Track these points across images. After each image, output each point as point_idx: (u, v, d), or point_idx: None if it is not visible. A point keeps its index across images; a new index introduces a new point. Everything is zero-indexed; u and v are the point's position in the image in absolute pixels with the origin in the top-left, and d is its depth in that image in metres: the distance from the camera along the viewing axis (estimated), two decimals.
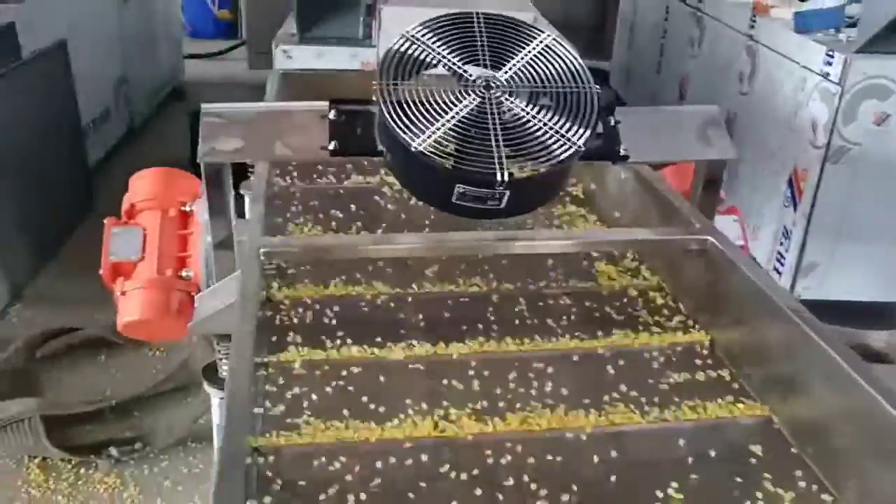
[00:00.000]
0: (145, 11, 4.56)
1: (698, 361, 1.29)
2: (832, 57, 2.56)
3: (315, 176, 1.90)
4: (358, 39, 2.47)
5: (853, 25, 2.64)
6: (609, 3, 6.15)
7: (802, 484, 1.04)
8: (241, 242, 1.40)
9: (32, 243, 2.97)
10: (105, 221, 1.67)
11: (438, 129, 1.22)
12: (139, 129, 4.35)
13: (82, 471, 2.01)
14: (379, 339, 1.29)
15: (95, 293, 1.86)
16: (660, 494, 1.02)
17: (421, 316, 1.38)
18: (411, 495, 1.01)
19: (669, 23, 4.28)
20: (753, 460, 1.09)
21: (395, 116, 1.22)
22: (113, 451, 2.06)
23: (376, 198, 1.82)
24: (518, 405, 1.17)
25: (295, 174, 1.90)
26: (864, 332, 2.58)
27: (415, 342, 1.29)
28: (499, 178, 1.18)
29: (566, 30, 7.24)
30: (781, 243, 2.85)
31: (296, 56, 2.46)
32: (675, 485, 1.03)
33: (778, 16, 3.05)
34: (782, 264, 2.84)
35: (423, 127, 1.21)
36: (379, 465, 1.05)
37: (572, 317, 1.40)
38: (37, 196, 2.99)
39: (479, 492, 1.02)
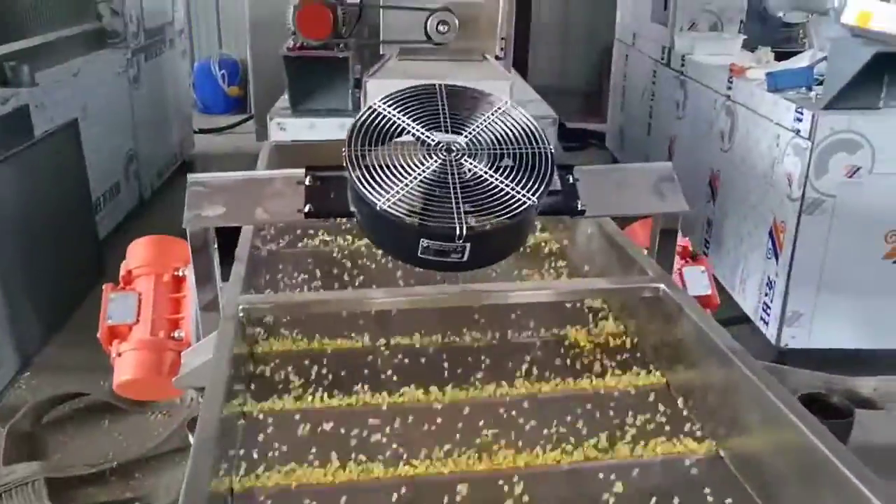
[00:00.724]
0: (156, 91, 4.79)
1: (655, 401, 1.36)
2: (801, 114, 2.67)
3: (306, 238, 2.03)
4: (348, 110, 2.62)
5: (822, 83, 2.76)
6: (604, 69, 6.36)
7: None
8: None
9: (42, 314, 3.08)
10: (104, 288, 1.78)
11: (403, 188, 1.32)
12: (149, 202, 4.52)
13: None
14: (353, 389, 1.37)
15: (101, 361, 1.93)
16: None
17: (394, 366, 1.47)
18: None
19: (657, 86, 4.44)
20: (705, 491, 1.15)
21: (362, 179, 1.33)
22: None
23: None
24: (487, 446, 1.24)
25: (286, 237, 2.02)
26: (852, 379, 2.63)
27: (386, 391, 1.38)
28: (458, 231, 1.28)
29: (565, 95, 7.39)
30: (766, 294, 2.92)
31: (289, 128, 2.60)
32: None
33: (753, 76, 3.19)
34: (768, 314, 2.90)
35: (388, 188, 1.32)
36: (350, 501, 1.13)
37: (537, 363, 1.48)
38: (47, 269, 3.12)
39: None
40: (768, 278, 2.90)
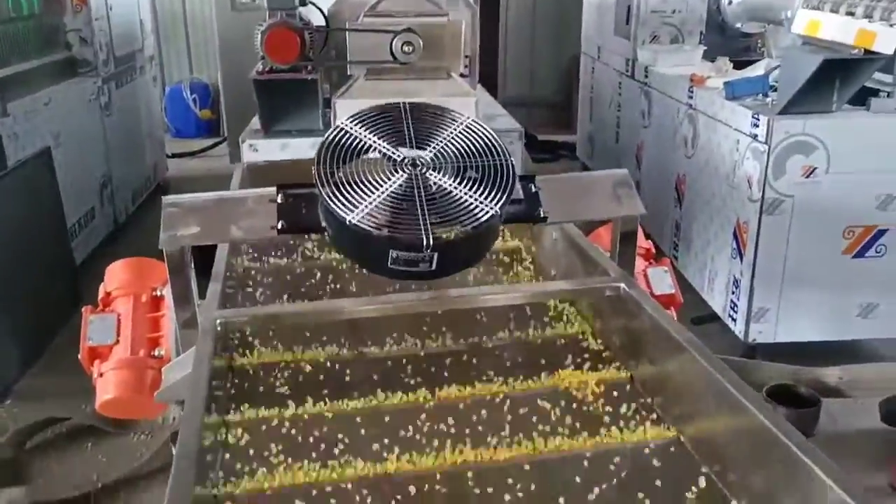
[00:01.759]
0: (128, 117, 4.81)
1: (620, 395, 1.43)
2: (758, 119, 2.77)
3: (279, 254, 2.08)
4: (318, 130, 2.67)
5: (777, 90, 2.86)
6: (573, 81, 6.47)
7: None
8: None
9: (20, 342, 3.09)
10: (83, 310, 1.82)
11: (371, 203, 1.38)
12: (124, 226, 4.54)
13: None
14: (330, 395, 1.43)
15: (82, 385, 1.96)
16: None
17: (369, 372, 1.52)
18: None
19: (622, 97, 4.54)
20: (671, 473, 1.22)
21: (332, 195, 1.39)
22: None
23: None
24: (464, 441, 1.30)
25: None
26: (818, 370, 2.71)
27: (363, 397, 1.43)
28: (425, 242, 1.34)
29: (535, 108, 7.47)
30: (733, 292, 3.00)
31: (261, 149, 2.65)
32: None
33: (713, 85, 3.29)
34: (736, 311, 2.98)
35: (357, 202, 1.38)
36: (331, 501, 1.18)
37: (507, 363, 1.55)
38: (24, 296, 3.13)
39: None
40: (734, 277, 2.99)
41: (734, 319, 3.00)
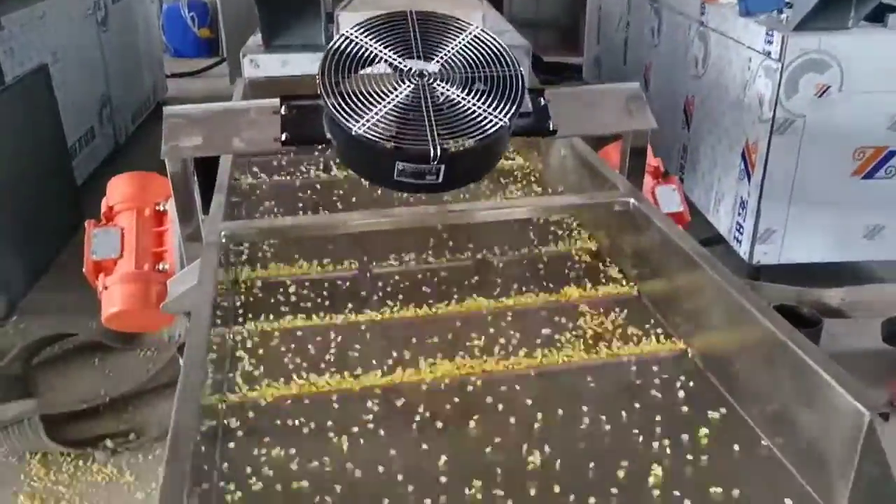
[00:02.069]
0: (126, 34, 4.70)
1: (627, 310, 1.42)
2: (772, 36, 2.69)
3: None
4: (321, 45, 2.60)
5: (792, 6, 2.78)
6: (580, 2, 6.30)
7: (715, 409, 1.18)
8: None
9: (25, 260, 3.10)
10: (85, 224, 1.80)
11: (377, 113, 1.35)
12: (124, 146, 4.49)
13: (80, 463, 2.14)
14: (339, 307, 1.42)
15: (87, 302, 1.97)
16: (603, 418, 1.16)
17: (376, 286, 1.52)
18: (382, 433, 1.14)
19: (631, 15, 4.42)
20: (677, 384, 1.22)
21: (337, 106, 1.35)
22: (108, 443, 2.18)
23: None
24: (470, 353, 1.30)
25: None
26: (821, 291, 2.72)
27: (370, 310, 1.43)
28: (432, 153, 1.31)
29: (542, 30, 7.31)
30: (739, 213, 2.98)
31: (262, 64, 2.60)
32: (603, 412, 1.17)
33: (725, 2, 3.19)
34: (741, 233, 2.97)
35: (362, 113, 1.35)
36: (338, 409, 1.19)
37: (515, 279, 1.54)
38: (27, 215, 3.12)
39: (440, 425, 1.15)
40: (741, 198, 2.96)
41: (739, 241, 2.99)
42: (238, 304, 1.47)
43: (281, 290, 1.51)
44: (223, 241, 1.40)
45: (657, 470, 1.05)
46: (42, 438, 2.15)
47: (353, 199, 1.90)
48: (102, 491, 2.00)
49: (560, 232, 1.72)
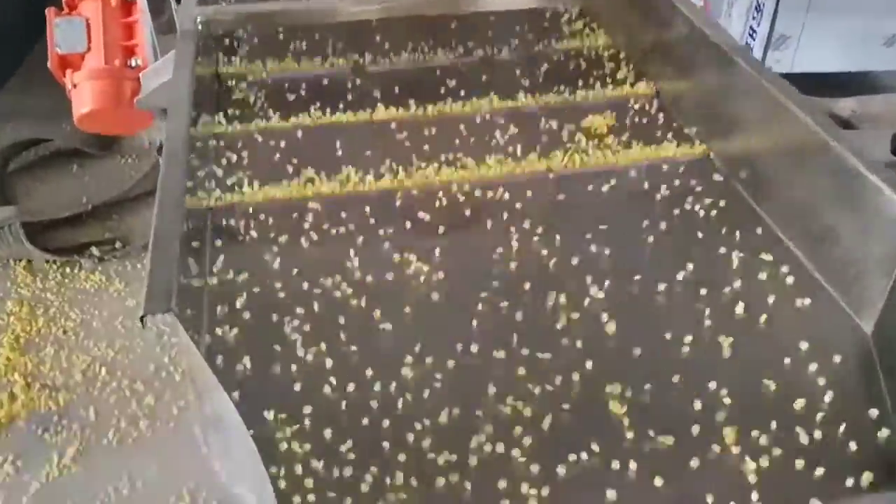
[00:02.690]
0: None
1: (645, 111, 1.31)
2: None
3: None
4: None
5: None
6: None
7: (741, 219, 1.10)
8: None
9: None
10: (46, 12, 1.63)
11: None
12: None
13: (68, 270, 2.08)
14: (332, 106, 1.30)
15: (60, 107, 1.83)
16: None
17: (371, 83, 1.39)
18: (381, 231, 1.07)
19: None
20: (698, 189, 1.14)
21: None
22: (94, 251, 2.12)
23: None
24: (473, 155, 1.20)
25: None
26: (832, 101, 2.60)
27: (364, 109, 1.31)
28: None
29: None
30: (754, 17, 2.80)
31: None
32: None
33: None
34: (754, 39, 2.80)
35: None
36: (334, 211, 1.10)
37: (523, 76, 1.41)
38: None
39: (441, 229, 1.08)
40: (756, 2, 2.76)
41: (751, 47, 2.82)
42: (220, 102, 1.34)
43: (267, 86, 1.37)
44: (199, 28, 1.25)
45: (679, 276, 0.99)
46: (25, 245, 2.08)
47: None
48: (92, 298, 1.96)
49: (573, 27, 1.56)
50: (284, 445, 0.78)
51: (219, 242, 1.03)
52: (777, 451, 0.77)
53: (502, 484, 0.75)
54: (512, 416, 0.81)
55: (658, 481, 0.75)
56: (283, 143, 1.23)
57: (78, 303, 1.94)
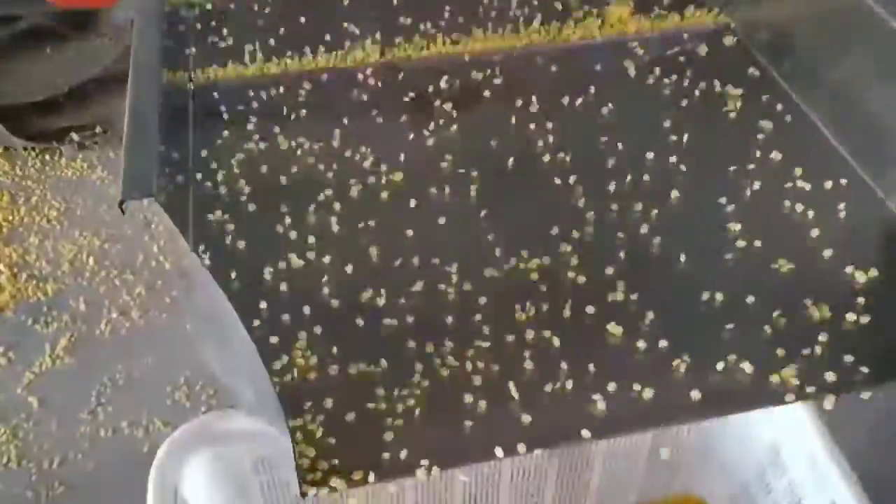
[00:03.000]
0: None
1: None
2: None
3: None
4: None
5: None
6: None
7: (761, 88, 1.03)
8: None
9: None
10: None
11: None
12: None
13: (48, 157, 2.00)
14: None
15: None
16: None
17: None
18: (375, 112, 1.00)
19: None
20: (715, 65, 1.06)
21: None
22: (74, 136, 2.03)
23: None
24: (478, 25, 1.12)
25: None
26: None
27: None
28: None
29: None
30: None
31: None
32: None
33: None
34: None
35: None
36: (325, 89, 1.03)
37: None
38: None
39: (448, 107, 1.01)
40: None
41: None
42: None
43: None
44: None
45: (694, 149, 0.93)
46: (1, 131, 1.99)
47: None
48: (73, 185, 1.90)
49: None
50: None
51: (203, 122, 0.96)
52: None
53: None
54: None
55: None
56: (267, 9, 1.14)
57: (60, 191, 1.88)
